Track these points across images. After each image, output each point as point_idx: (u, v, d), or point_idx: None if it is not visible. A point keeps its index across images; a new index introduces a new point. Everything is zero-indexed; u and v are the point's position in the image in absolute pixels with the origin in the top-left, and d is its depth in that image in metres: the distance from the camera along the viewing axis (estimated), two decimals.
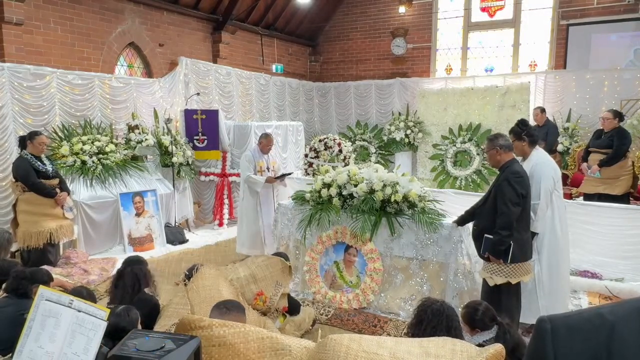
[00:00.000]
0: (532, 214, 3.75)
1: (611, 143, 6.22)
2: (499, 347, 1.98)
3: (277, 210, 5.38)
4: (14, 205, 5.28)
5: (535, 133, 4.11)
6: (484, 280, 3.74)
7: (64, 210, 5.41)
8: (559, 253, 3.93)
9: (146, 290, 3.46)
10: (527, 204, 3.59)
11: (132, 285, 3.29)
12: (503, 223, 3.45)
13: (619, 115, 6.36)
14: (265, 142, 6.07)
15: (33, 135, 5.22)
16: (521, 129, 3.93)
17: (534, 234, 3.80)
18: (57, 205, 5.32)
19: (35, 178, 5.13)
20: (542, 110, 7.94)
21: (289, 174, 6.16)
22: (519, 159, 3.91)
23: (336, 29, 12.18)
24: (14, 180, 5.26)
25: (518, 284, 3.64)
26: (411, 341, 2.11)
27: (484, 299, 3.62)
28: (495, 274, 3.58)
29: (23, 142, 5.26)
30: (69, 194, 5.54)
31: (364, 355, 1.97)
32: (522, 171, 3.57)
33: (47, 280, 3.10)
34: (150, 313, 3.31)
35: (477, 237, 3.71)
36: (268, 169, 6.14)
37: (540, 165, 3.82)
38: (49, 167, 5.32)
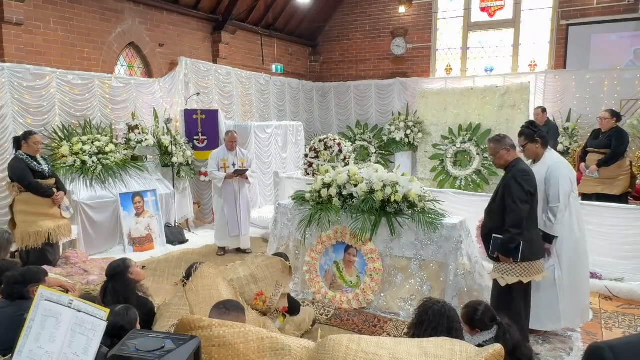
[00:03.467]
0: (551, 216, 3.70)
1: (609, 143, 6.22)
2: (498, 347, 1.98)
3: (277, 210, 5.38)
4: (11, 206, 5.25)
5: (546, 134, 4.02)
6: (495, 282, 3.66)
7: (62, 209, 5.40)
8: (578, 255, 3.87)
9: (139, 293, 3.39)
10: (535, 202, 3.52)
11: (116, 303, 3.04)
12: (513, 221, 3.40)
13: (616, 115, 6.36)
14: (227, 139, 6.50)
15: (27, 135, 5.18)
16: (533, 131, 3.83)
17: (550, 237, 3.73)
18: (54, 205, 5.31)
19: (32, 178, 5.10)
20: (544, 110, 7.94)
21: (245, 170, 6.39)
22: (529, 162, 3.85)
23: (336, 29, 12.17)
24: (9, 181, 5.23)
25: (528, 285, 3.57)
26: (410, 341, 2.12)
27: (494, 300, 3.57)
28: (507, 273, 3.50)
29: (18, 142, 5.23)
30: (65, 193, 5.52)
31: (363, 356, 1.97)
32: (528, 169, 3.52)
33: (41, 278, 3.01)
34: (146, 318, 3.23)
35: (486, 237, 3.65)
36: (234, 165, 6.43)
37: (556, 167, 3.75)
38: (45, 167, 5.30)
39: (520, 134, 3.93)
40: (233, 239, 6.49)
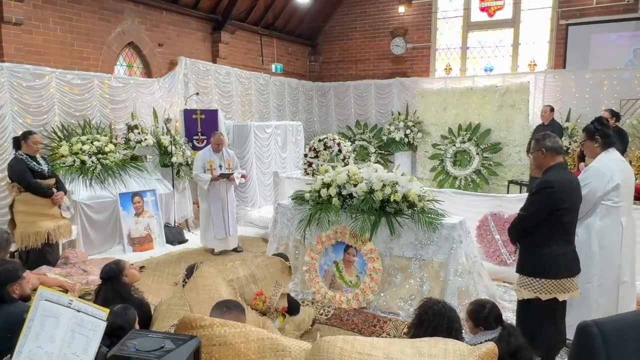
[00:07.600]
0: None
1: None
2: (491, 346, 1.99)
3: (277, 210, 5.38)
4: (11, 207, 5.24)
5: (612, 134, 3.53)
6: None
7: (61, 209, 5.39)
8: (591, 267, 3.42)
9: (134, 295, 3.35)
10: (566, 217, 3.08)
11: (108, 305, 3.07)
12: (515, 222, 3.21)
13: (615, 115, 6.37)
14: (213, 141, 6.41)
15: (27, 135, 5.17)
16: (595, 128, 3.47)
17: None
18: (54, 205, 5.30)
19: (31, 178, 5.09)
20: (552, 109, 7.91)
21: (231, 174, 6.36)
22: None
23: (336, 28, 12.17)
24: (9, 181, 5.23)
25: (555, 303, 3.12)
26: (404, 341, 2.13)
27: (517, 315, 3.33)
28: (524, 287, 3.12)
29: (17, 142, 5.22)
30: (65, 193, 5.51)
31: (357, 357, 1.98)
32: (555, 180, 3.04)
33: (19, 275, 2.80)
34: (142, 320, 3.20)
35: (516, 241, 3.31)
36: (221, 166, 6.37)
37: (588, 171, 3.44)
38: (45, 167, 5.29)
39: (584, 130, 3.61)
40: (220, 241, 6.44)
